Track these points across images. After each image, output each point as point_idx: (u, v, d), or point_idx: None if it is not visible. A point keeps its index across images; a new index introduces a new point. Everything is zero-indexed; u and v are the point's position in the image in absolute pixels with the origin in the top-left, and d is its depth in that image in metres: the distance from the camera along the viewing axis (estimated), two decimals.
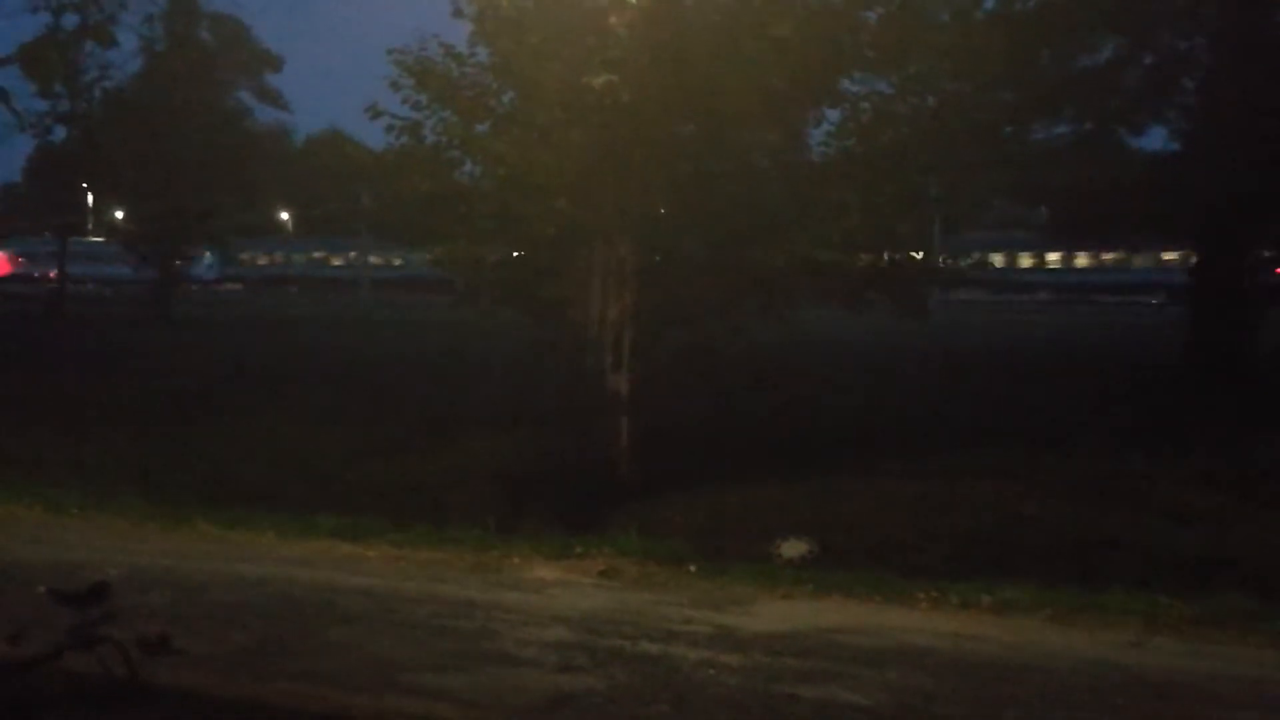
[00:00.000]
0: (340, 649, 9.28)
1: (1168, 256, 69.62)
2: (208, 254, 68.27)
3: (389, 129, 18.76)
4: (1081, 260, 79.33)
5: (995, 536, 14.36)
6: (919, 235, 21.07)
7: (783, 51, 17.61)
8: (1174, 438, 17.78)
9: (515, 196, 18.56)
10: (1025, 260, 79.35)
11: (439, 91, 18.78)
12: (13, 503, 15.64)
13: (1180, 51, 26.91)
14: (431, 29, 19.25)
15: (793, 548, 14.46)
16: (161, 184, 53.80)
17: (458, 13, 18.44)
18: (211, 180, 55.26)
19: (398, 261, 79.11)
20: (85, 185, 65.82)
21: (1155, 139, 28.78)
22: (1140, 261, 73.13)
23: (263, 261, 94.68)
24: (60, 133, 58.61)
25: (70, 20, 55.72)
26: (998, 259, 75.22)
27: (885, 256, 19.87)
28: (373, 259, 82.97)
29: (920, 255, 21.26)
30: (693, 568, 12.48)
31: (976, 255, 33.69)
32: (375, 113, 18.83)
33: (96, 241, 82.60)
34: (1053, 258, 79.95)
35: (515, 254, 19.76)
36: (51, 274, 68.32)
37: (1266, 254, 27.50)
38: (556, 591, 11.44)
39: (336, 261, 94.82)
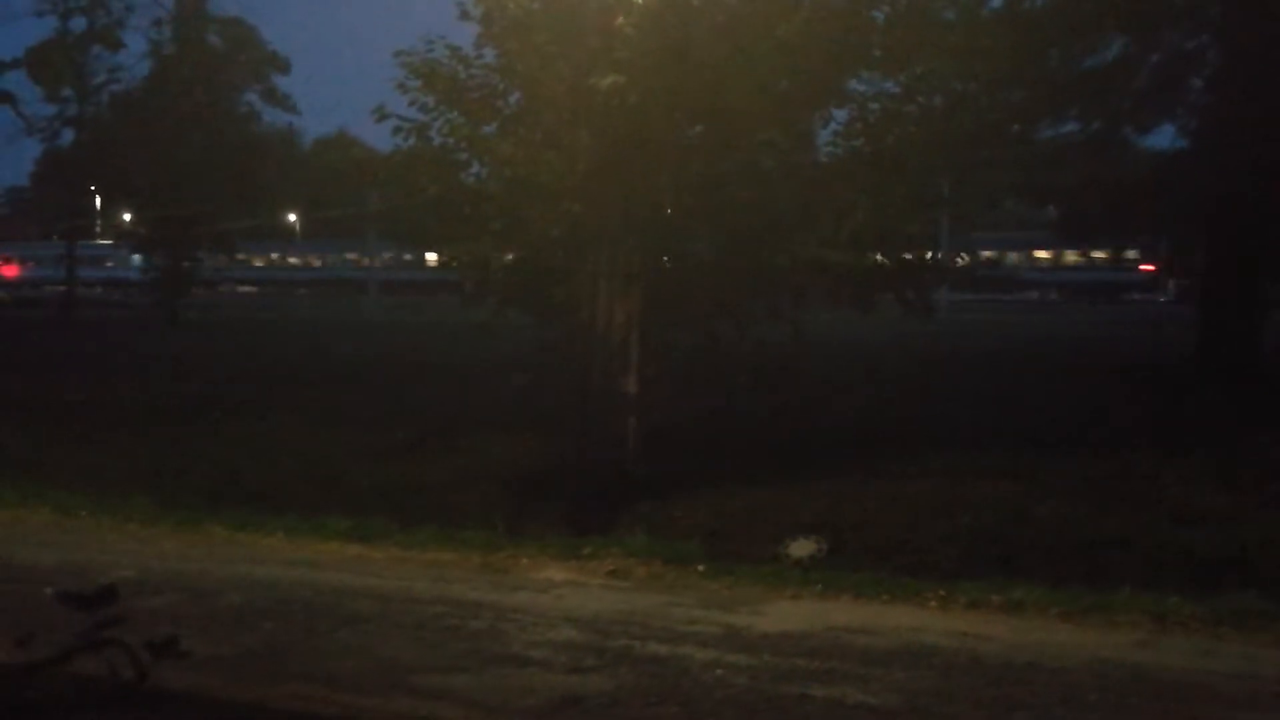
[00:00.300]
0: (349, 650, 9.29)
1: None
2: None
3: (396, 131, 18.76)
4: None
5: (1003, 536, 14.33)
6: (927, 235, 21.02)
7: (789, 52, 17.59)
8: (1182, 437, 17.72)
9: (522, 198, 18.56)
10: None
11: (446, 93, 18.79)
12: (22, 506, 15.69)
13: (1187, 51, 26.83)
14: (438, 31, 19.27)
15: (801, 548, 14.44)
16: (169, 187, 53.86)
17: (464, 15, 18.45)
18: (219, 183, 55.32)
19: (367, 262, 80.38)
20: (93, 189, 65.95)
21: (1163, 138, 28.72)
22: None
23: (258, 263, 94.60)
24: (68, 136, 58.79)
25: (77, 24, 55.85)
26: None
27: (892, 257, 19.83)
28: (352, 257, 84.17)
29: (928, 255, 21.22)
30: (701, 568, 12.49)
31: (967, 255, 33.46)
32: (382, 115, 18.83)
33: (102, 244, 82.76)
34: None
35: (522, 256, 19.75)
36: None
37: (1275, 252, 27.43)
38: (565, 592, 11.45)
39: (317, 263, 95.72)
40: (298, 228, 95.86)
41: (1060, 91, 26.22)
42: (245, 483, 18.44)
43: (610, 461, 17.20)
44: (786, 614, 10.60)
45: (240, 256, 70.52)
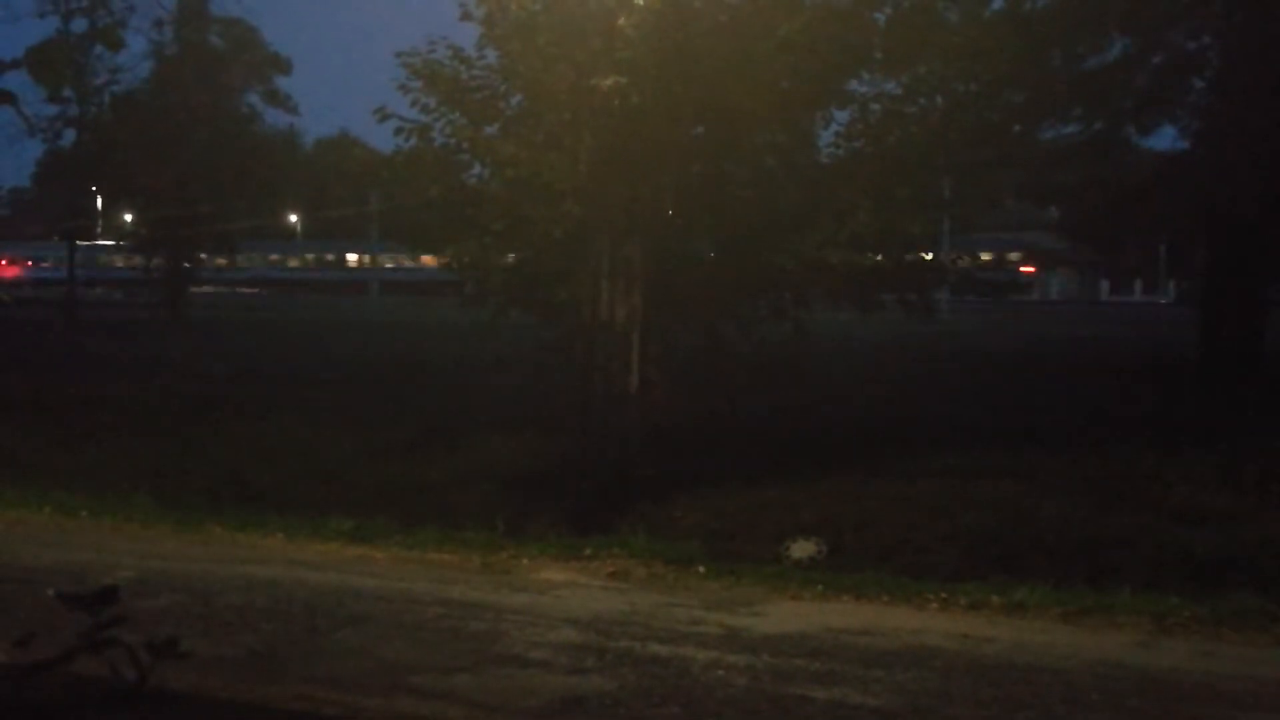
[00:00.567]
0: (350, 651, 9.29)
1: None
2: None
3: (398, 131, 18.76)
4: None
5: (1004, 536, 14.31)
6: (928, 236, 21.02)
7: (791, 53, 17.60)
8: (1183, 437, 17.72)
9: (524, 198, 18.55)
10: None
11: (448, 94, 18.78)
12: (24, 506, 15.70)
13: (1189, 51, 26.84)
14: (440, 32, 19.26)
15: (802, 549, 14.44)
16: (170, 188, 53.86)
17: (466, 15, 18.44)
18: (221, 184, 55.33)
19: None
20: (95, 189, 65.95)
21: (1165, 138, 28.73)
22: None
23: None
24: (70, 137, 58.76)
25: (79, 25, 55.83)
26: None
27: (893, 257, 19.83)
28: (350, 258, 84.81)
29: (929, 256, 21.23)
30: (702, 569, 12.50)
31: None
32: (384, 115, 18.82)
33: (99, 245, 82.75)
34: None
35: (524, 256, 19.75)
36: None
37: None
38: (566, 593, 11.46)
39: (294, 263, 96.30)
40: (299, 228, 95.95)
41: (1062, 92, 26.23)
42: (246, 483, 18.43)
43: (611, 462, 17.20)
44: (787, 615, 10.60)
45: (241, 260, 70.61)
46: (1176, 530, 14.38)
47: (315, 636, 9.71)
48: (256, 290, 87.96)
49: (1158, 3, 25.71)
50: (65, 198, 65.93)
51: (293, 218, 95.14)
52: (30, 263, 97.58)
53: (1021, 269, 68.43)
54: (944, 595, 11.20)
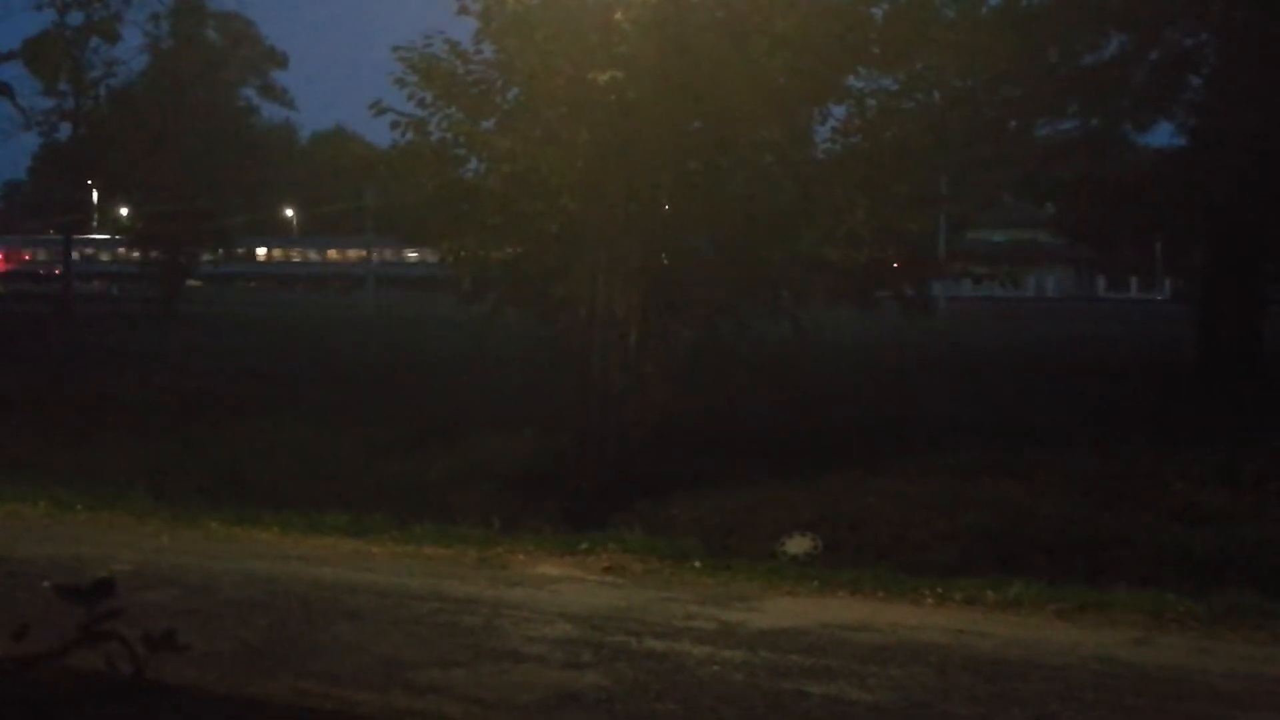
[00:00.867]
0: (347, 646, 9.29)
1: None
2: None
3: (394, 125, 18.75)
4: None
5: (1001, 533, 14.33)
6: (925, 232, 21.04)
7: (788, 48, 17.60)
8: (1182, 436, 17.73)
9: (521, 194, 18.54)
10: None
11: (444, 88, 18.76)
12: (20, 501, 15.66)
13: (1186, 49, 26.83)
14: (437, 27, 19.27)
15: (798, 545, 14.46)
16: (167, 182, 53.83)
17: (463, 9, 18.42)
18: (216, 179, 55.30)
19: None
20: (90, 183, 65.91)
21: (1162, 136, 28.73)
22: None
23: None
24: (65, 131, 58.70)
25: (75, 18, 55.78)
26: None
27: (891, 253, 19.84)
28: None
29: (927, 253, 21.24)
30: (698, 564, 12.49)
31: None
32: (380, 110, 18.82)
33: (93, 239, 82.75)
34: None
35: (520, 252, 19.73)
36: (56, 270, 68.50)
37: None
38: (562, 588, 11.45)
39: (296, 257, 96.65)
40: (295, 223, 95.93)
41: (1059, 89, 26.23)
42: (243, 479, 18.42)
43: (609, 459, 17.20)
44: (783, 610, 10.59)
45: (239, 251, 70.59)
46: (1174, 529, 14.40)
47: (311, 631, 9.70)
48: (252, 284, 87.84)
49: (1155, 0, 25.71)
50: (61, 192, 65.90)
51: (289, 213, 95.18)
52: (27, 256, 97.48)
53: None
54: (940, 591, 11.19)
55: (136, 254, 60.78)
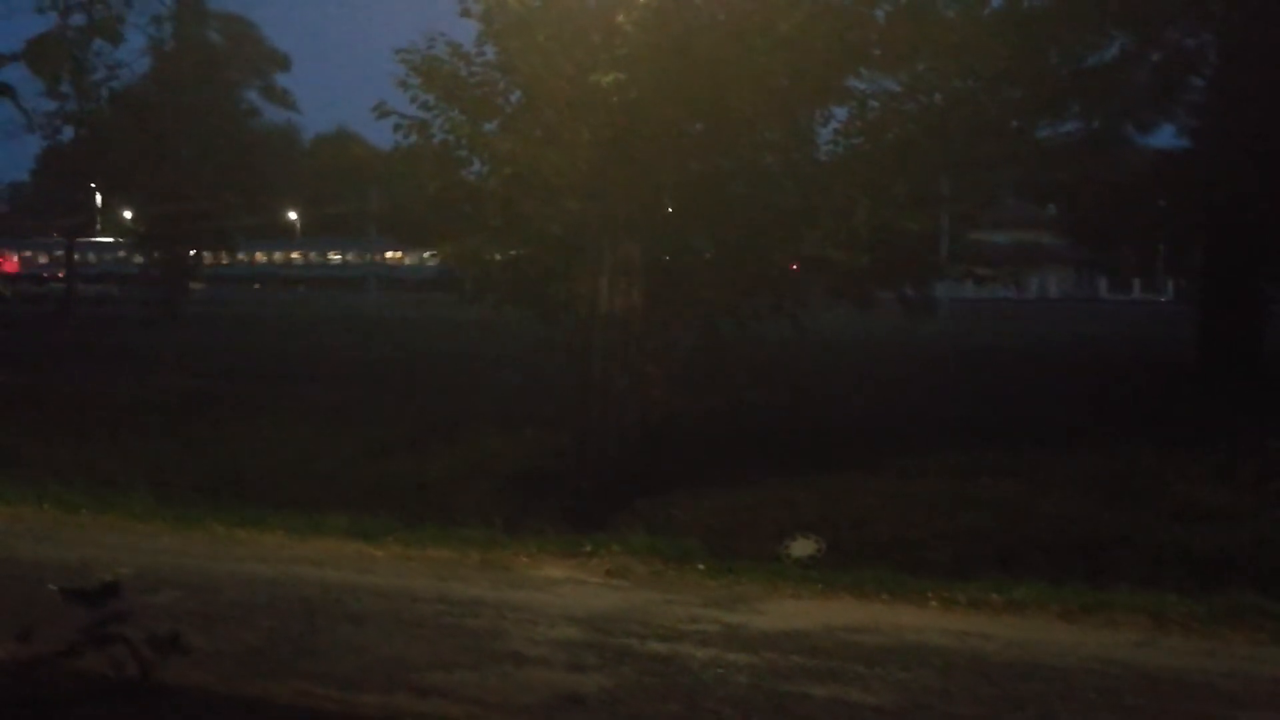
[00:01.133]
0: (349, 648, 9.29)
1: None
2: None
3: (397, 128, 18.77)
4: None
5: (1004, 535, 14.34)
6: (927, 234, 21.01)
7: (790, 49, 17.59)
8: (1184, 435, 17.73)
9: (522, 195, 18.56)
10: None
11: (446, 90, 18.78)
12: (23, 503, 15.67)
13: (1188, 49, 26.84)
14: (439, 28, 19.28)
15: (801, 547, 14.45)
16: (169, 184, 53.84)
17: (465, 12, 18.43)
18: (219, 180, 55.30)
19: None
20: (93, 185, 65.94)
21: (1164, 136, 28.73)
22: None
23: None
24: (68, 133, 58.72)
25: (77, 20, 55.79)
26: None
27: (892, 254, 19.82)
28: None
29: (929, 254, 21.23)
30: (701, 567, 12.49)
31: None
32: (383, 112, 18.84)
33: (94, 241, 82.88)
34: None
35: (522, 253, 19.74)
36: (60, 274, 68.59)
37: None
38: (565, 590, 11.46)
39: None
40: (298, 225, 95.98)
41: (1060, 90, 26.22)
42: (245, 480, 18.44)
43: (610, 459, 17.20)
44: (787, 613, 10.60)
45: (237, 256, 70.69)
46: (1175, 529, 14.41)
47: (314, 633, 9.71)
48: (257, 286, 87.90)
49: (1156, 1, 25.70)
50: (63, 194, 65.92)
51: (292, 215, 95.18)
52: (26, 257, 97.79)
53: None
54: (944, 593, 11.19)
55: (139, 257, 60.82)
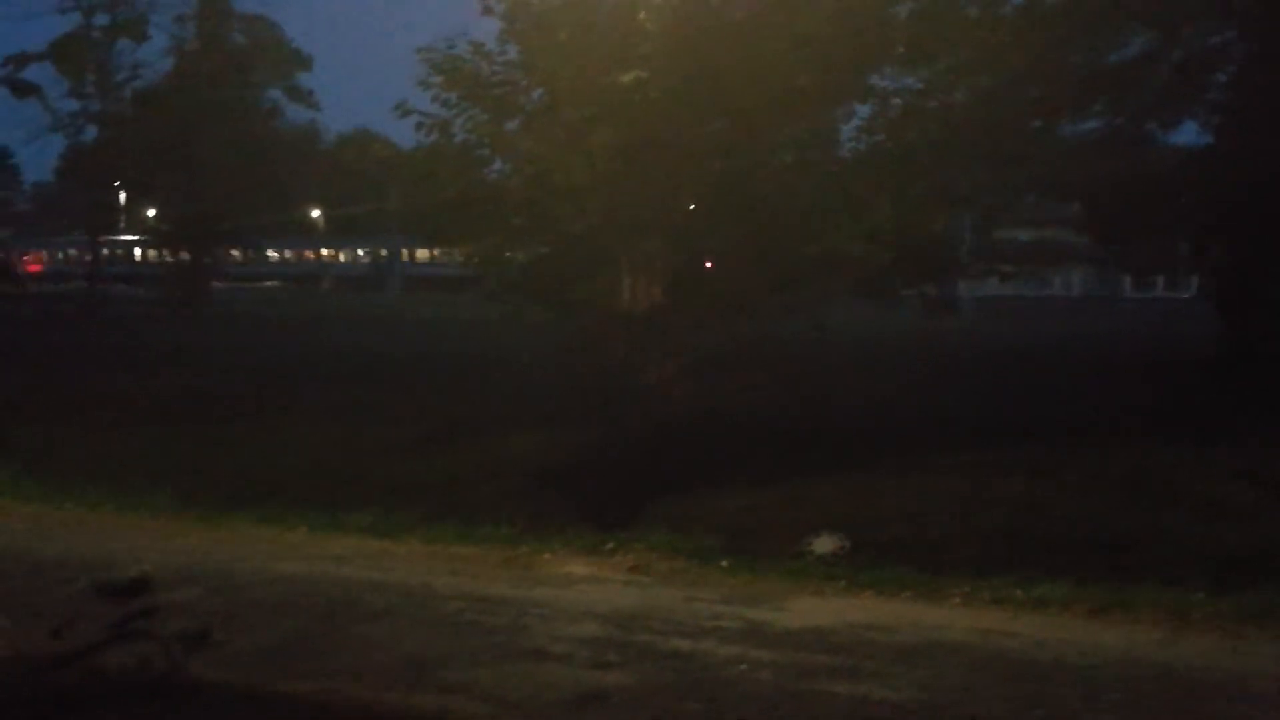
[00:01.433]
0: (372, 645, 9.31)
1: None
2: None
3: (419, 126, 18.85)
4: None
5: (1027, 533, 14.28)
6: (949, 231, 21.02)
7: (810, 48, 17.60)
8: (1206, 433, 17.67)
9: (544, 194, 18.58)
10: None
11: (468, 89, 18.83)
12: (47, 501, 15.74)
13: (1211, 46, 26.73)
14: (461, 28, 19.32)
15: (824, 544, 14.41)
16: (192, 183, 54.02)
17: (487, 10, 18.50)
18: (242, 180, 55.47)
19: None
20: (116, 185, 66.19)
21: (1187, 134, 28.66)
22: None
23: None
24: (91, 133, 58.99)
25: (101, 20, 56.03)
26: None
27: (913, 252, 19.81)
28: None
29: (950, 251, 21.22)
30: (724, 564, 12.48)
31: None
32: (405, 111, 18.91)
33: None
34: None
35: (543, 252, 19.77)
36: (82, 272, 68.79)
37: None
38: (587, 587, 11.46)
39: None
40: (320, 223, 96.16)
41: (1083, 87, 26.12)
42: (267, 478, 18.46)
43: (632, 456, 17.21)
44: (809, 610, 10.58)
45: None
46: (1198, 527, 14.33)
47: (336, 630, 9.73)
48: (270, 284, 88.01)
49: None
50: (87, 193, 66.19)
51: (314, 213, 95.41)
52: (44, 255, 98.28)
53: None
54: (966, 591, 11.16)
55: (165, 255, 61.05)
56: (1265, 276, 25.90)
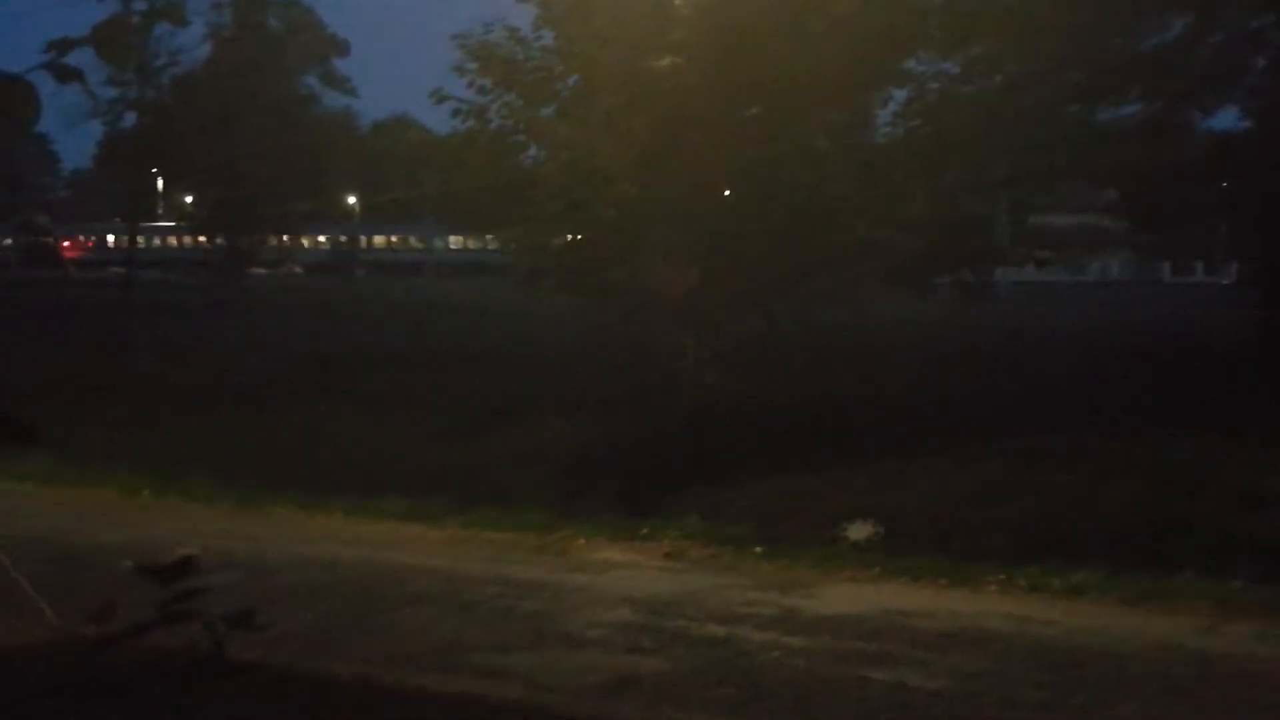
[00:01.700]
0: (408, 629, 9.37)
1: None
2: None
3: (455, 113, 18.87)
4: None
5: (1063, 521, 14.22)
6: (987, 217, 20.92)
7: (845, 32, 17.53)
8: (1245, 421, 17.52)
9: (578, 180, 18.59)
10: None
11: (503, 75, 18.84)
12: (86, 485, 15.88)
13: (1250, 30, 26.47)
14: (497, 14, 19.32)
15: (858, 530, 14.39)
16: (229, 170, 54.28)
17: None
18: (279, 166, 55.70)
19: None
20: (155, 171, 66.57)
21: (1226, 119, 28.34)
22: None
23: None
24: (130, 119, 59.31)
25: (140, 5, 56.29)
26: None
27: (949, 239, 19.73)
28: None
29: (987, 237, 21.12)
30: (758, 550, 12.48)
31: None
32: (440, 97, 18.93)
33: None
34: None
35: (578, 238, 19.78)
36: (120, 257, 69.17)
37: None
38: (621, 573, 11.48)
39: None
40: (357, 209, 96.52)
41: (1120, 72, 25.91)
42: (303, 463, 18.54)
43: (666, 443, 17.22)
44: (844, 596, 10.58)
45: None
46: (1237, 515, 14.23)
47: (373, 614, 9.80)
48: (298, 270, 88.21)
49: None
50: (125, 180, 66.57)
51: (351, 199, 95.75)
52: (90, 242, 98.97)
53: None
54: (1002, 578, 11.13)
55: (202, 241, 61.39)
56: None
